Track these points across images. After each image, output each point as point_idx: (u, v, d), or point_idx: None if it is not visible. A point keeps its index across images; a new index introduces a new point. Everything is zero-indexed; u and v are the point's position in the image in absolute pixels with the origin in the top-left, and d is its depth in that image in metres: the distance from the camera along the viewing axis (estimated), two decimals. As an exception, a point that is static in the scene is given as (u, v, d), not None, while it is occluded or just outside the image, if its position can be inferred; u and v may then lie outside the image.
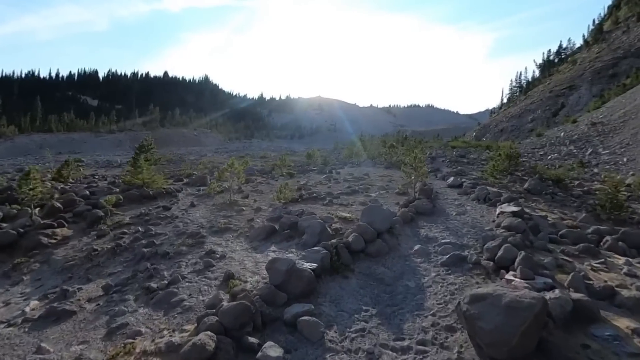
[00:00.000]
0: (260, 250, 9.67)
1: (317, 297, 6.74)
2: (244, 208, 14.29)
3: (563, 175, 24.52)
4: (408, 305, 6.64)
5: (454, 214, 12.33)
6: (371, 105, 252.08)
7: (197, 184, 20.98)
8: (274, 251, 9.50)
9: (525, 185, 22.06)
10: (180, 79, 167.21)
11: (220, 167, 18.53)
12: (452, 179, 18.65)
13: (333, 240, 8.50)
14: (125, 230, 12.72)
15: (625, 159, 34.87)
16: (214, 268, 8.53)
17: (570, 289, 6.84)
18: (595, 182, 27.39)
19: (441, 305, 6.57)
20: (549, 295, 6.18)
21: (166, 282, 7.96)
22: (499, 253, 7.94)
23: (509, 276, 7.26)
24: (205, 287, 7.54)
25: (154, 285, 7.92)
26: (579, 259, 8.82)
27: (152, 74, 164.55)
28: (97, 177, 27.49)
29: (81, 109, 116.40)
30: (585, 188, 24.13)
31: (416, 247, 9.14)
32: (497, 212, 11.47)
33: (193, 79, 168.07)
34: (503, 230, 9.73)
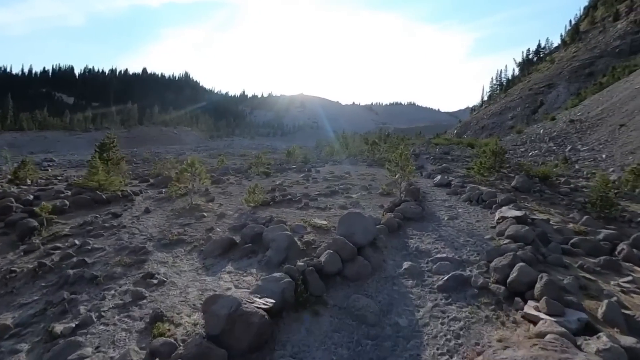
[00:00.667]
0: (213, 272, 7.58)
1: (272, 349, 4.73)
2: (205, 214, 12.12)
3: (549, 173, 23.31)
4: (400, 358, 4.71)
5: (446, 218, 10.50)
6: (353, 103, 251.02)
7: (161, 185, 18.63)
8: (229, 272, 7.43)
9: (513, 183, 20.59)
10: (160, 75, 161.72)
11: (179, 167, 16.19)
12: (439, 177, 16.92)
13: (300, 263, 6.45)
14: (59, 245, 10.38)
15: (604, 156, 34.16)
16: (144, 302, 6.39)
17: (615, 330, 5.03)
18: (580, 179, 26.34)
19: (445, 358, 4.66)
20: (594, 344, 4.36)
21: (74, 323, 5.78)
22: (513, 275, 6.10)
23: (529, 309, 5.42)
24: (123, 334, 5.40)
25: (58, 328, 5.74)
26: (601, 276, 7.12)
27: (130, 71, 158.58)
28: (60, 178, 24.63)
29: (56, 107, 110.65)
30: (572, 185, 22.91)
31: (406, 265, 7.22)
32: (496, 217, 9.69)
33: (173, 75, 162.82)
34: (508, 240, 7.93)
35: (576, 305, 5.60)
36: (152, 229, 10.93)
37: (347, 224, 7.86)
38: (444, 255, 7.60)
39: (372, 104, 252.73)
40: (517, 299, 5.89)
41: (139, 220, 12.03)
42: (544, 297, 5.24)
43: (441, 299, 6.11)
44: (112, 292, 7.10)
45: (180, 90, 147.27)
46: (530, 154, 37.27)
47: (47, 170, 30.12)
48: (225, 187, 17.23)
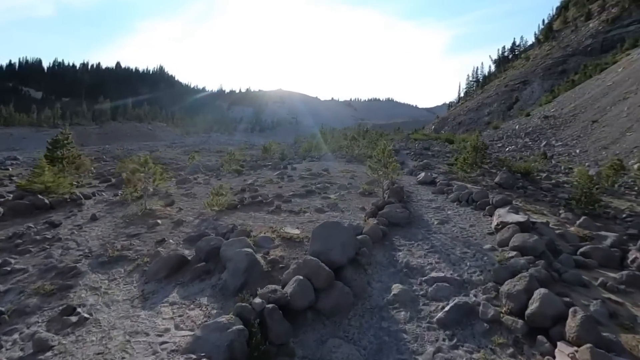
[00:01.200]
0: (152, 303, 5.84)
1: None
2: (160, 221, 10.27)
3: (531, 168, 22.55)
4: None
5: (436, 222, 9.08)
6: (332, 98, 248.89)
7: (121, 186, 16.52)
8: (172, 304, 5.71)
9: (496, 179, 19.60)
10: (134, 70, 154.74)
11: (130, 167, 14.16)
12: (422, 174, 15.58)
13: (257, 300, 4.70)
14: (-27, 263, 8.35)
15: (577, 151, 33.99)
16: (48, 355, 4.60)
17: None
18: (560, 174, 25.75)
19: None
20: None
21: None
22: (533, 306, 4.67)
23: (563, 356, 4.00)
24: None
25: None
26: (628, 296, 5.82)
27: (103, 65, 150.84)
28: (15, 178, 21.91)
29: (23, 102, 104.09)
30: (554, 181, 22.19)
31: (395, 290, 5.69)
32: (494, 221, 8.32)
33: (147, 70, 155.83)
34: (514, 252, 6.54)
35: (616, 346, 4.25)
36: (93, 242, 9.01)
37: (323, 238, 6.26)
38: (441, 273, 6.12)
39: (350, 99, 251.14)
40: (541, 337, 4.46)
41: (80, 230, 10.05)
42: (588, 347, 3.80)
43: (444, 339, 4.61)
44: (15, 336, 5.26)
45: (155, 85, 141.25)
46: (507, 149, 36.85)
47: (8, 169, 27.15)
48: (191, 188, 15.33)
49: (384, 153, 10.86)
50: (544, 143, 37.24)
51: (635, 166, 23.76)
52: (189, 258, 7.23)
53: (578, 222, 10.89)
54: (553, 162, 29.86)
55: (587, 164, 30.36)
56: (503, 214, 8.13)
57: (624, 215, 16.54)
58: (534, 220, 8.87)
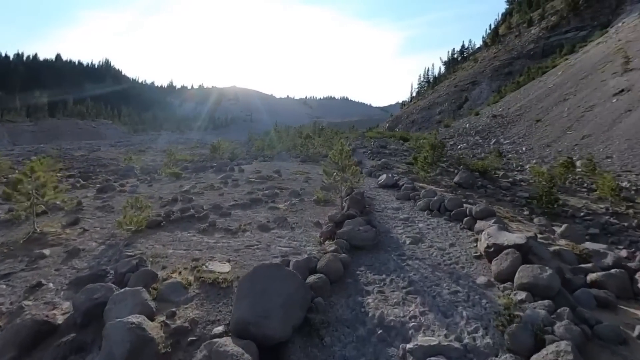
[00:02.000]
0: None
1: None
2: (47, 251, 7.33)
3: (488, 166, 21.77)
4: None
5: (408, 242, 7.11)
6: (288, 96, 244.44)
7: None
8: None
9: (456, 179, 18.40)
10: (77, 63, 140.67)
11: (12, 177, 10.89)
12: (383, 177, 13.73)
13: None
14: None
15: (524, 148, 34.48)
16: None
17: None
18: (515, 172, 25.40)
19: None
20: None
21: None
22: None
23: None
24: None
25: None
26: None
27: (41, 57, 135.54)
28: None
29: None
30: (511, 179, 21.55)
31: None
32: (482, 242, 6.46)
33: (92, 63, 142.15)
34: (523, 293, 4.66)
35: None
36: None
37: (255, 294, 3.93)
38: (432, 338, 4.04)
39: (306, 97, 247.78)
40: None
41: None
42: None
43: None
44: None
45: (100, 80, 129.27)
46: (459, 147, 36.69)
47: None
48: (110, 198, 12.28)
49: (341, 154, 8.72)
50: (494, 141, 37.50)
51: (578, 162, 23.94)
52: (59, 322, 4.60)
53: (559, 230, 9.53)
54: (504, 159, 29.80)
55: (533, 160, 30.64)
56: (494, 233, 6.28)
57: (582, 214, 15.84)
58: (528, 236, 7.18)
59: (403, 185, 12.26)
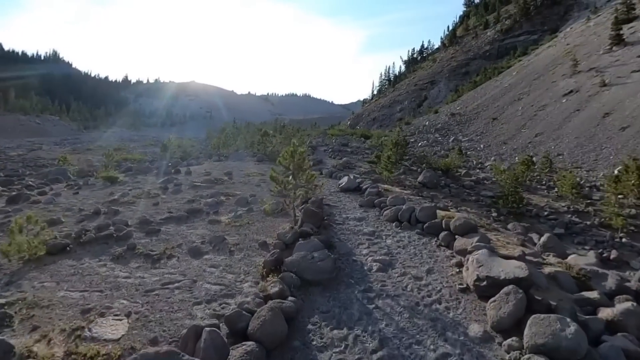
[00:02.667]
0: None
1: None
2: None
3: (451, 165, 21.03)
4: None
5: (375, 268, 5.54)
6: (249, 92, 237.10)
7: None
8: None
9: (420, 178, 17.34)
10: (20, 53, 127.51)
11: None
12: (345, 179, 12.15)
13: None
14: None
15: (482, 146, 34.56)
16: None
17: None
18: (477, 170, 24.97)
19: None
20: None
21: None
22: None
23: None
24: None
25: None
26: None
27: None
28: None
29: None
30: (474, 177, 20.94)
31: None
32: (470, 271, 4.99)
33: (38, 54, 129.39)
34: (540, 358, 3.24)
35: None
36: None
37: None
38: None
39: (268, 94, 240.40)
40: None
41: None
42: None
43: None
44: None
45: (47, 72, 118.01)
46: (420, 144, 36.25)
47: None
48: (17, 212, 9.68)
49: (293, 157, 6.94)
50: (452, 138, 37.41)
51: (534, 159, 23.90)
52: None
53: (541, 241, 8.42)
54: (464, 157, 29.47)
55: (492, 158, 30.62)
56: (484, 260, 4.82)
57: (546, 213, 15.26)
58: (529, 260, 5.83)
59: (366, 189, 10.76)
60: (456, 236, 6.27)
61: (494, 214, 14.00)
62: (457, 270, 5.39)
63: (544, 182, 20.11)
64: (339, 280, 5.09)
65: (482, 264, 4.67)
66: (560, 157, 25.86)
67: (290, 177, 6.86)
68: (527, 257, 6.04)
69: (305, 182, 7.08)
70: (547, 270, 5.62)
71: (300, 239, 6.11)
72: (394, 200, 8.80)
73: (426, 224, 7.13)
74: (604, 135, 26.28)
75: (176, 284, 5.04)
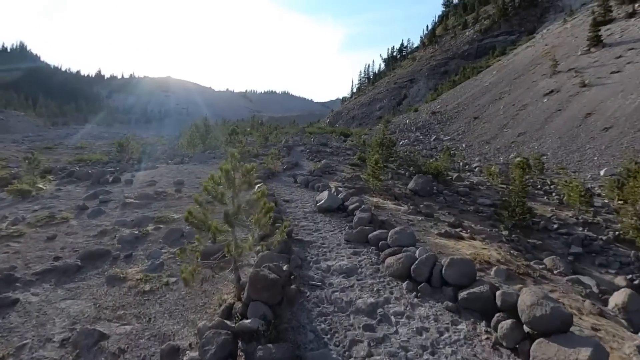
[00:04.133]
0: None
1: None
2: None
3: (441, 168, 18.27)
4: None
5: None
6: (227, 89, 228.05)
7: None
8: None
9: (411, 185, 14.44)
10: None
11: None
12: (325, 195, 8.87)
13: None
14: None
15: (464, 145, 32.30)
16: None
17: None
18: (468, 173, 22.48)
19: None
20: None
21: None
22: None
23: None
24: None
25: None
26: None
27: None
28: None
29: None
30: (467, 182, 18.36)
31: None
32: None
33: (4, 46, 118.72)
34: None
35: None
36: None
37: None
38: None
39: (246, 91, 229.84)
40: None
41: None
42: None
43: None
44: None
45: (13, 65, 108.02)
46: (401, 142, 33.75)
47: None
48: None
49: (231, 182, 3.58)
50: (434, 137, 35.06)
51: (530, 162, 21.69)
52: None
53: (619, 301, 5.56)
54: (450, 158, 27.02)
55: (476, 158, 28.39)
56: None
57: (555, 226, 12.91)
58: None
59: (354, 210, 7.67)
60: (527, 330, 3.22)
61: (504, 232, 11.27)
62: None
63: (538, 185, 17.89)
64: None
65: None
66: (545, 157, 24.01)
67: (221, 227, 3.58)
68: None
69: (259, 227, 3.82)
70: None
71: (239, 344, 2.93)
72: (398, 236, 5.70)
73: (462, 293, 4.08)
74: (586, 135, 24.62)
75: None
